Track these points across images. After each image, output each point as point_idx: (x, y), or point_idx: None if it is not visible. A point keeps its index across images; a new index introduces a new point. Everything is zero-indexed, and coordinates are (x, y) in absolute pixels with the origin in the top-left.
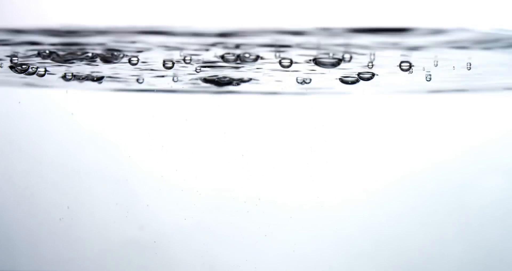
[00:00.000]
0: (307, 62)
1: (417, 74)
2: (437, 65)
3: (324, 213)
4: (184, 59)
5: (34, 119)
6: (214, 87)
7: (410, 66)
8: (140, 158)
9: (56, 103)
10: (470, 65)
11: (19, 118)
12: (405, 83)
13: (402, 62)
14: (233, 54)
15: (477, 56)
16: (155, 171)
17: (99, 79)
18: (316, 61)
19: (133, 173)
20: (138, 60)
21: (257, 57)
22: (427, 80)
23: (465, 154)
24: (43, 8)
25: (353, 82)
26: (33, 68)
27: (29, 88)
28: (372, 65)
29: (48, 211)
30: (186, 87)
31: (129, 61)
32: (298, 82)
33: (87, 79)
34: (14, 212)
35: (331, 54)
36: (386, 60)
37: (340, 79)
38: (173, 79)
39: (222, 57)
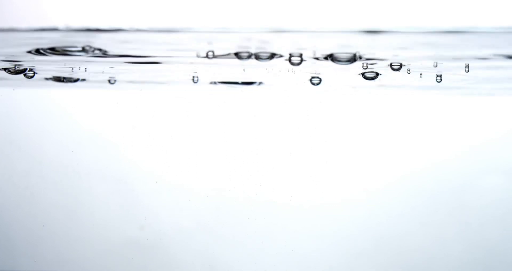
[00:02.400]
0: (324, 59)
1: (426, 75)
2: (436, 65)
3: (324, 213)
4: (207, 55)
5: (34, 119)
6: (215, 86)
7: (401, 66)
8: (140, 158)
9: (56, 103)
10: (468, 67)
11: (19, 118)
12: (406, 83)
13: (392, 62)
14: (248, 52)
15: (476, 56)
16: (155, 171)
17: (76, 80)
18: (333, 58)
19: (133, 173)
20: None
21: (272, 55)
22: (437, 82)
23: (465, 154)
24: (43, 8)
25: (372, 78)
26: (26, 69)
27: (29, 89)
28: (367, 66)
29: (48, 211)
30: (186, 86)
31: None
32: (312, 83)
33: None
34: (14, 212)
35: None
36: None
37: (362, 74)
38: (193, 80)
39: (236, 54)
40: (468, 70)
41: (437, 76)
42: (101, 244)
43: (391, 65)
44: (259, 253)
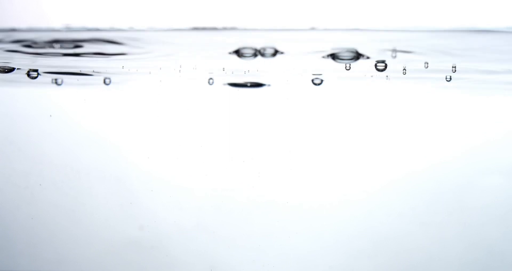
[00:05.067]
0: (325, 57)
1: (433, 74)
2: (427, 67)
3: (324, 213)
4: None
5: (34, 119)
6: (215, 87)
7: (386, 66)
8: (140, 158)
9: (55, 103)
10: (455, 67)
11: (19, 118)
12: (405, 82)
13: (377, 62)
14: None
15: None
16: (155, 171)
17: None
18: (334, 56)
19: (133, 173)
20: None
21: (276, 52)
22: (447, 80)
23: (465, 154)
24: (43, 8)
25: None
26: (14, 68)
27: (29, 89)
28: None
29: (48, 211)
30: (186, 86)
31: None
32: (314, 84)
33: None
34: (14, 212)
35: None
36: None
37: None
38: (208, 82)
39: (237, 52)
40: (455, 69)
41: (447, 76)
42: (101, 244)
43: (375, 65)
44: (259, 253)
